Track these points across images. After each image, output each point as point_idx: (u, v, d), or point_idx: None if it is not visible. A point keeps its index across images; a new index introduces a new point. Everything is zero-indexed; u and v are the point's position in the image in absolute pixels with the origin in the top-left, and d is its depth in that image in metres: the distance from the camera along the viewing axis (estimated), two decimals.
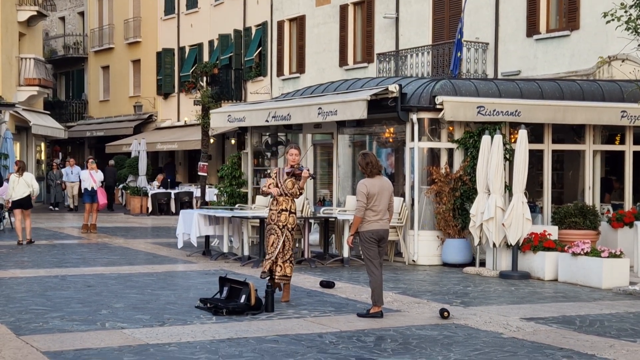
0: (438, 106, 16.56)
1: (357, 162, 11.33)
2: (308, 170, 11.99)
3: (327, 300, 12.08)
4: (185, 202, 32.89)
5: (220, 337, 9.31)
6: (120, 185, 38.19)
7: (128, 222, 29.25)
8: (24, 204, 20.05)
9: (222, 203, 22.36)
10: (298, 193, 11.92)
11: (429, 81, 17.46)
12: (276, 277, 11.78)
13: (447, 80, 17.46)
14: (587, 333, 9.92)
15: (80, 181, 27.21)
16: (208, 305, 11.08)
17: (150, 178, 36.39)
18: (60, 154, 46.09)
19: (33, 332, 9.48)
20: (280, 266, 11.76)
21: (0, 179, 22.07)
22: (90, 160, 24.63)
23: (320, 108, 17.83)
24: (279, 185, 11.85)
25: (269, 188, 11.94)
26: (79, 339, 9.12)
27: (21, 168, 20.46)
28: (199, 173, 31.51)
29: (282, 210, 11.83)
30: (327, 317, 10.74)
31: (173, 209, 32.74)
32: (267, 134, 22.35)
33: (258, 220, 16.47)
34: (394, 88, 16.79)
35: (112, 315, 10.65)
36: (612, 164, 19.71)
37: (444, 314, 10.69)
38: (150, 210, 32.93)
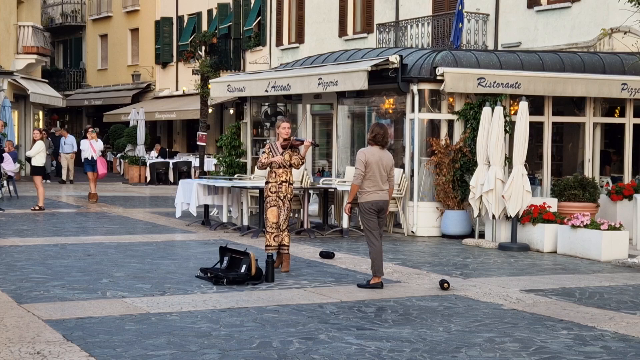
0: (439, 77, 16.50)
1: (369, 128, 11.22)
2: (307, 139, 12.06)
3: (327, 271, 12.10)
4: (183, 171, 32.90)
5: (221, 307, 9.33)
6: (119, 155, 38.19)
7: (126, 191, 29.23)
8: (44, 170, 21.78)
9: (221, 173, 22.34)
10: (299, 163, 11.91)
11: (429, 52, 17.39)
12: (274, 246, 11.80)
13: (448, 52, 17.38)
14: (586, 305, 9.95)
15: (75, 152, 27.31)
16: (208, 274, 11.10)
17: (149, 147, 36.38)
18: (57, 122, 45.98)
19: (34, 300, 9.49)
20: (279, 235, 11.81)
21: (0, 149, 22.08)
22: (91, 130, 24.62)
23: (320, 78, 17.78)
24: None
25: (267, 159, 11.87)
26: (80, 307, 9.14)
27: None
28: (198, 143, 31.48)
29: (283, 182, 11.80)
30: (328, 288, 10.76)
31: (171, 178, 32.73)
32: (267, 104, 22.31)
33: (257, 191, 16.46)
34: (394, 59, 16.73)
35: (112, 284, 10.67)
36: (611, 136, 19.69)
37: (444, 285, 10.71)
38: (148, 179, 32.91)
